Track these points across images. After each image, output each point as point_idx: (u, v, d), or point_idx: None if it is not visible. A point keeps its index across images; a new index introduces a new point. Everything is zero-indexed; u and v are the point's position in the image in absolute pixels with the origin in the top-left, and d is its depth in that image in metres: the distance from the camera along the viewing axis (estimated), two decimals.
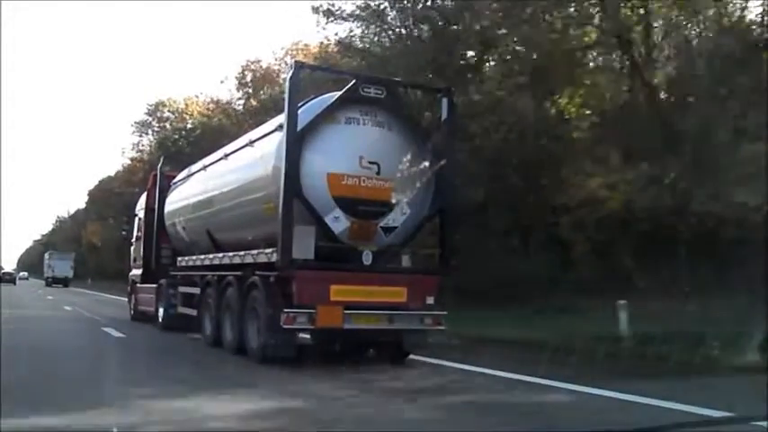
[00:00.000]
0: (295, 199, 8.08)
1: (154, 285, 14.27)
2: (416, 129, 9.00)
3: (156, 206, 14.45)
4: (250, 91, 36.66)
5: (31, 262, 77.32)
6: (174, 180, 14.10)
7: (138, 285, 15.83)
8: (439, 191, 8.97)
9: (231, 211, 10.11)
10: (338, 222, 8.40)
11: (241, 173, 9.79)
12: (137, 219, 16.67)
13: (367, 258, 8.51)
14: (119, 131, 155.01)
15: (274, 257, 8.31)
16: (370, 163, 8.59)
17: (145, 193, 16.13)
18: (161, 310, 13.77)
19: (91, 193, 62.39)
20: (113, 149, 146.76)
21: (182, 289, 12.63)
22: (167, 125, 44.68)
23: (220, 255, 10.35)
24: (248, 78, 37.09)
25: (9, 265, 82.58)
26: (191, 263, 12.00)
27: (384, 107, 8.82)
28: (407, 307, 8.69)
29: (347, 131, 8.62)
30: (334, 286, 8.24)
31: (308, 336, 9.85)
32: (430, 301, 8.77)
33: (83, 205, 69.31)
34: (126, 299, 17.83)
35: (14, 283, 54.18)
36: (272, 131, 8.95)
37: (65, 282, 53.82)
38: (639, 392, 6.36)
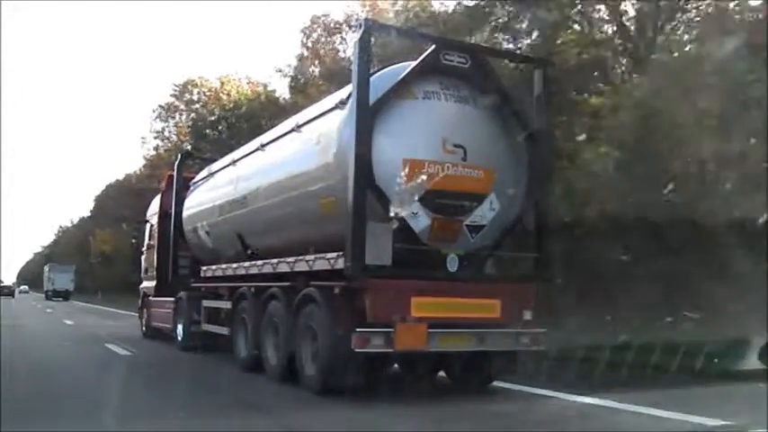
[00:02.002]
0: (368, 191, 6.47)
1: (170, 299, 12.60)
2: (507, 106, 7.38)
3: (173, 210, 12.79)
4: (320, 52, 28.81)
5: (32, 275, 74.41)
6: (194, 180, 12.46)
7: (152, 299, 14.16)
8: (533, 182, 7.37)
9: (273, 210, 8.47)
10: (417, 219, 6.79)
11: (287, 164, 8.15)
12: (148, 225, 15.01)
13: (452, 264, 6.90)
14: (124, 135, 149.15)
15: (339, 264, 6.69)
16: (454, 147, 6.98)
17: (158, 197, 14.49)
18: (179, 327, 12.11)
19: (98, 199, 59.87)
20: (120, 153, 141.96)
21: (206, 303, 10.96)
22: (198, 106, 37.74)
23: (259, 263, 8.69)
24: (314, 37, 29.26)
25: (9, 279, 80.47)
26: (218, 273, 10.35)
27: (469, 79, 7.23)
28: (501, 323, 7.07)
29: (426, 108, 7.02)
30: (416, 299, 6.62)
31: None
32: (527, 316, 7.14)
33: (87, 213, 66.76)
34: (137, 314, 16.13)
35: (13, 297, 52.39)
36: (330, 109, 7.33)
37: (65, 295, 52.02)
38: None
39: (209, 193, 11.16)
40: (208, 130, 35.03)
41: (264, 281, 8.63)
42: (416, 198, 6.78)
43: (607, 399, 6.61)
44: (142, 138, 43.31)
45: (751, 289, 9.27)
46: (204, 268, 11.04)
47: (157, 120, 39.96)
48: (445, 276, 6.83)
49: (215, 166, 11.47)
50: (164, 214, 13.60)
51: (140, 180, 41.24)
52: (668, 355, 7.87)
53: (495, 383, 7.70)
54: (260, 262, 8.67)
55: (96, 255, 54.41)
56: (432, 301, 6.70)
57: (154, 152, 41.10)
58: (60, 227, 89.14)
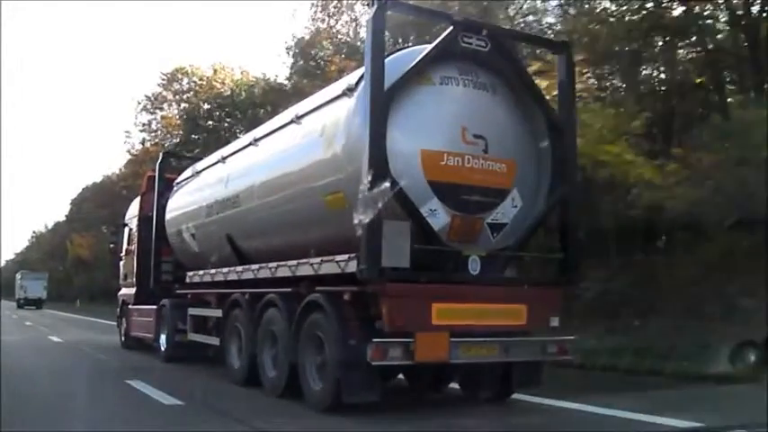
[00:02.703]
0: (384, 185, 5.80)
1: (152, 307, 11.79)
2: (529, 93, 6.78)
3: (155, 213, 12.00)
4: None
5: (4, 282, 71.09)
6: (178, 180, 11.68)
7: (131, 307, 13.31)
8: (558, 176, 6.77)
9: (268, 209, 7.77)
10: (436, 217, 6.15)
11: (286, 158, 7.45)
12: (126, 229, 14.16)
13: (474, 266, 6.26)
14: (102, 135, 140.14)
15: (351, 267, 6.02)
16: (475, 137, 6.36)
17: (137, 199, 13.66)
18: (163, 337, 11.31)
19: (75, 202, 57.92)
20: (98, 154, 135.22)
21: (193, 311, 10.20)
22: (190, 95, 34.86)
23: (255, 266, 7.98)
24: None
25: None
26: (207, 278, 9.60)
27: (488, 64, 6.61)
28: (527, 331, 6.44)
29: (443, 95, 6.38)
30: (437, 305, 5.97)
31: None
32: (554, 322, 6.53)
33: (63, 218, 64.43)
34: (115, 323, 15.24)
35: None
36: (336, 97, 6.66)
37: (38, 303, 50.24)
38: None
39: (196, 193, 10.40)
40: (202, 121, 32.76)
41: (260, 286, 7.94)
42: (434, 193, 6.14)
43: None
44: (126, 132, 38.28)
45: None
46: (190, 274, 10.29)
47: (143, 112, 36.75)
48: (467, 280, 6.19)
49: (201, 165, 10.72)
50: (144, 217, 12.79)
51: (124, 178, 37.95)
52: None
53: (515, 396, 7.09)
54: (255, 266, 7.95)
55: (73, 260, 52.04)
56: (454, 307, 6.06)
57: (140, 146, 37.45)
58: (34, 232, 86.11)
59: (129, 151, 38.15)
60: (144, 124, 36.98)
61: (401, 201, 5.88)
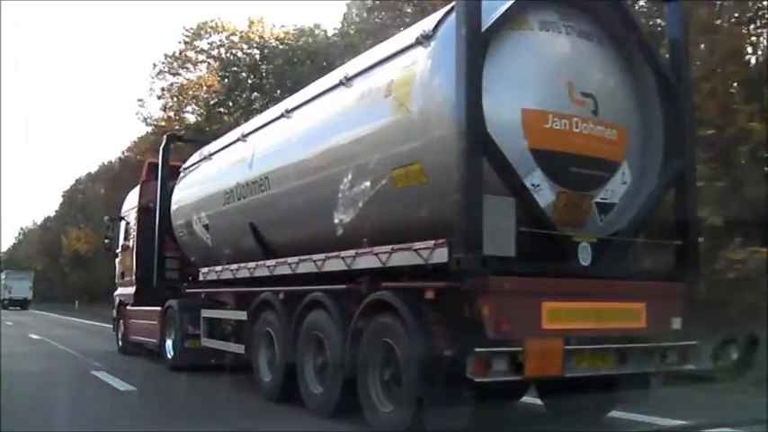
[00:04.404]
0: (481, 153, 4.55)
1: (156, 308, 10.45)
2: (638, 47, 5.55)
3: (158, 202, 10.65)
4: None
5: None
6: (186, 165, 10.34)
7: (130, 308, 11.93)
8: (672, 148, 5.55)
9: (308, 192, 6.50)
10: (539, 194, 4.91)
11: (335, 127, 6.16)
12: (123, 223, 12.74)
13: (585, 255, 5.03)
14: (97, 122, 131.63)
15: (438, 256, 4.75)
16: (583, 95, 5.12)
17: (135, 189, 12.27)
18: (169, 343, 9.99)
19: (67, 194, 55.35)
20: (92, 142, 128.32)
21: (207, 313, 8.89)
22: (222, 51, 29.10)
23: (293, 260, 6.67)
24: None
25: None
26: (227, 275, 8.28)
27: (591, 9, 5.40)
28: (646, 336, 5.21)
29: (545, 43, 5.15)
30: (548, 304, 4.73)
31: None
32: (676, 324, 5.31)
33: (53, 213, 61.55)
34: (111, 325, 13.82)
35: None
36: (407, 48, 5.37)
37: (23, 304, 48.07)
38: None
39: (209, 178, 9.09)
40: (245, 74, 27.06)
41: (296, 284, 6.67)
42: (537, 164, 4.90)
43: None
44: (139, 100, 32.83)
45: None
46: (204, 270, 8.96)
47: (161, 76, 30.45)
48: (578, 272, 4.96)
49: (214, 146, 9.39)
50: (145, 208, 11.42)
51: (141, 152, 30.81)
52: None
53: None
54: (293, 259, 6.65)
55: (69, 257, 48.45)
56: (567, 306, 4.82)
57: (162, 113, 31.16)
58: (22, 228, 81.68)
59: (146, 120, 32.04)
60: (163, 89, 30.64)
61: (504, 172, 4.65)
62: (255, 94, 27.30)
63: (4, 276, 51.36)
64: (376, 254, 5.36)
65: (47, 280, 57.32)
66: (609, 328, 4.98)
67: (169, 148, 10.99)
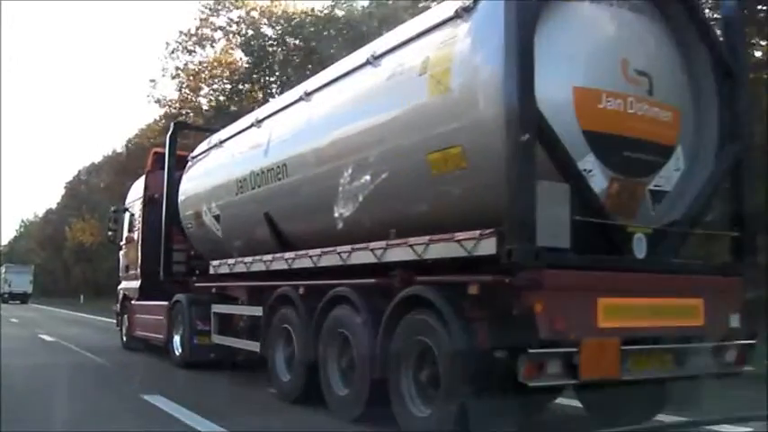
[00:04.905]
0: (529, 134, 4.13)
1: (162, 303, 10.04)
2: (692, 24, 5.13)
3: (165, 193, 10.23)
4: None
5: None
6: (194, 154, 9.92)
7: (135, 303, 11.52)
8: (728, 132, 5.13)
9: (332, 179, 6.06)
10: (592, 180, 4.50)
11: (363, 109, 5.74)
12: (127, 214, 12.32)
13: (640, 247, 4.62)
14: (99, 109, 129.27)
15: (484, 248, 4.33)
16: (638, 73, 4.71)
17: (140, 180, 11.85)
18: (176, 339, 9.58)
19: (70, 185, 54.67)
20: (95, 131, 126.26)
21: (218, 308, 8.48)
22: (243, 26, 26.96)
23: (314, 252, 6.26)
24: None
25: None
26: (240, 268, 7.86)
27: None
28: (704, 334, 4.81)
29: (596, 16, 4.73)
30: (604, 300, 4.31)
31: None
32: (735, 322, 4.91)
33: (54, 205, 61.03)
34: (114, 320, 13.39)
35: None
36: (445, 21, 4.94)
37: (23, 298, 47.69)
38: None
39: (220, 166, 8.66)
40: (271, 48, 25.37)
41: (317, 278, 6.26)
42: (590, 147, 4.49)
43: None
44: (151, 80, 30.83)
45: None
46: (215, 263, 8.54)
47: (174, 55, 28.38)
48: (633, 266, 4.55)
49: (225, 133, 8.97)
50: (150, 200, 11.00)
51: (154, 136, 29.11)
52: None
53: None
54: (315, 251, 6.23)
55: (73, 249, 47.44)
56: (623, 303, 4.41)
57: (177, 91, 28.93)
58: (23, 221, 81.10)
59: (159, 101, 29.72)
60: (178, 68, 28.61)
61: (558, 156, 4.23)
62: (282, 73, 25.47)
63: (3, 270, 50.96)
64: (411, 245, 4.94)
65: (49, 273, 56.69)
66: (666, 326, 4.58)
67: (176, 136, 10.57)
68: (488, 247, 4.25)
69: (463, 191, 4.69)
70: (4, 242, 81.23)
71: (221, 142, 8.88)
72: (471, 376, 4.33)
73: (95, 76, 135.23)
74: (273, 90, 24.84)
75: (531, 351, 3.98)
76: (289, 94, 7.59)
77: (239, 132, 8.33)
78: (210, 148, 9.26)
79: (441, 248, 4.69)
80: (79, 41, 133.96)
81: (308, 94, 6.75)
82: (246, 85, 26.62)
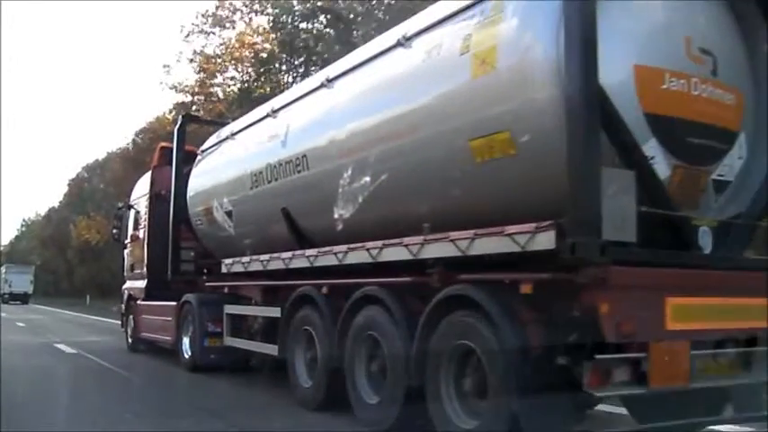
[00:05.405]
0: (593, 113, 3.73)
1: (170, 304, 9.65)
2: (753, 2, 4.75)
3: (173, 189, 9.82)
4: None
5: None
6: (204, 148, 9.52)
7: (141, 303, 11.11)
8: None
9: (360, 170, 5.66)
10: (656, 167, 4.10)
11: (396, 93, 5.31)
12: (132, 212, 11.92)
13: (705, 241, 4.23)
14: (100, 107, 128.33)
15: (540, 242, 3.92)
16: (702, 52, 4.31)
17: (146, 176, 11.43)
18: (185, 341, 9.18)
19: (73, 183, 53.86)
20: (98, 127, 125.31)
21: (231, 309, 8.08)
22: (266, 5, 25.31)
23: (339, 249, 5.85)
24: None
25: None
26: (255, 266, 7.45)
27: None
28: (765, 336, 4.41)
29: None
30: (673, 300, 3.91)
31: None
32: None
33: (57, 203, 59.91)
34: (120, 321, 12.97)
35: None
36: None
37: (23, 298, 47.25)
38: None
39: (233, 159, 8.26)
40: (305, 24, 23.50)
41: (341, 277, 5.86)
42: (653, 133, 4.09)
43: None
44: (165, 66, 30.02)
45: None
46: (228, 261, 8.13)
47: (190, 38, 26.99)
48: (700, 262, 4.16)
49: (238, 125, 8.56)
50: (157, 196, 10.59)
51: (170, 123, 25.79)
52: None
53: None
54: (340, 248, 5.82)
55: (78, 248, 46.06)
56: (693, 303, 4.01)
57: (199, 75, 27.25)
58: (24, 220, 79.85)
59: (175, 87, 27.96)
60: (195, 52, 27.09)
61: (622, 141, 3.84)
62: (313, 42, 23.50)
63: (4, 270, 50.50)
64: (453, 240, 4.53)
65: (51, 273, 56.08)
66: (734, 328, 4.19)
67: (185, 128, 10.16)
68: (546, 241, 3.85)
69: (511, 180, 4.29)
70: (5, 242, 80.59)
71: (234, 134, 8.47)
72: (524, 384, 3.93)
73: (98, 70, 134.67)
74: (305, 71, 23.22)
75: (598, 357, 3.58)
76: (307, 82, 7.22)
77: (254, 123, 7.92)
78: (222, 140, 8.86)
79: (488, 243, 4.27)
80: (81, 36, 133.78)
81: (330, 81, 6.34)
82: (276, 66, 25.25)
